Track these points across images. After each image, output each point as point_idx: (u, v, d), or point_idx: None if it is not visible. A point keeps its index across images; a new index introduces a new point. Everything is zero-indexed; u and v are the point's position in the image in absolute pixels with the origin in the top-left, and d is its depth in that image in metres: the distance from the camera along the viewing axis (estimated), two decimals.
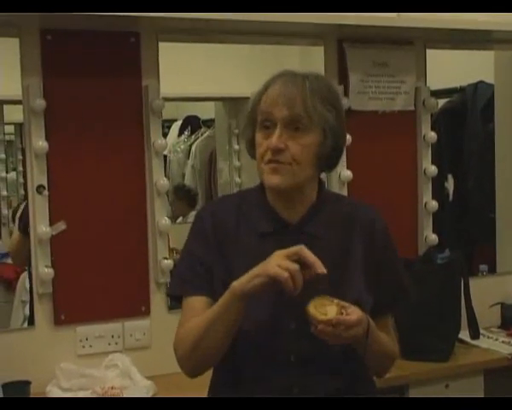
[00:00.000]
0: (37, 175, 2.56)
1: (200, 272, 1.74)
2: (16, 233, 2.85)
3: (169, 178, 3.57)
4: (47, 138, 2.55)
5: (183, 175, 3.90)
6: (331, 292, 1.64)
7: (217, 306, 1.66)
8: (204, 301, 1.73)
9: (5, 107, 3.01)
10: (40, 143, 2.54)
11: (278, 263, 1.56)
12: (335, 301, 1.61)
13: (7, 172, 3.10)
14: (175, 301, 1.95)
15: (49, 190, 2.57)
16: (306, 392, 1.70)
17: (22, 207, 2.76)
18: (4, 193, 3.06)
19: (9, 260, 2.97)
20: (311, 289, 1.62)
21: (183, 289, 1.78)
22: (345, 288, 1.71)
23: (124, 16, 2.41)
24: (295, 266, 1.56)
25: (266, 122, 1.69)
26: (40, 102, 2.52)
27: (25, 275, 2.80)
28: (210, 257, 1.74)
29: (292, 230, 1.74)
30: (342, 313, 1.59)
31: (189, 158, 3.90)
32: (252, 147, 1.75)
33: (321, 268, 1.57)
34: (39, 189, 2.56)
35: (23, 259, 2.71)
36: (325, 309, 1.59)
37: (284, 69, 1.74)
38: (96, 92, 2.63)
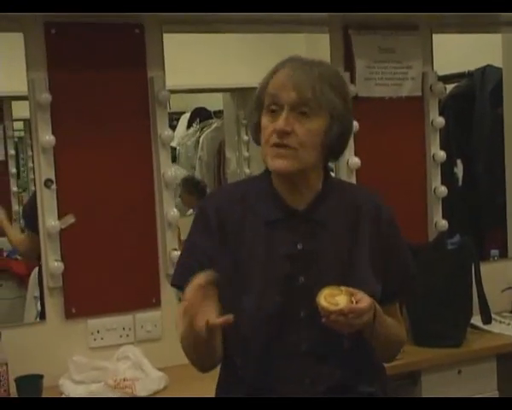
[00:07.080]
0: (45, 169, 2.57)
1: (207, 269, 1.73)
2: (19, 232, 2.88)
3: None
4: (54, 132, 2.55)
5: (192, 167, 3.91)
6: (339, 280, 1.63)
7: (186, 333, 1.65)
8: None
9: (13, 103, 3.01)
10: (47, 137, 2.54)
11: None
12: (344, 289, 1.60)
13: (17, 168, 3.11)
14: (180, 290, 1.96)
15: (56, 183, 2.58)
16: (318, 382, 1.69)
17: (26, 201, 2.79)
18: (15, 189, 3.07)
19: None
20: (320, 278, 1.63)
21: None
22: (353, 274, 1.71)
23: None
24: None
25: (273, 106, 1.67)
26: (46, 96, 2.52)
27: (36, 271, 2.80)
28: (217, 254, 1.73)
29: (299, 217, 1.73)
30: (352, 302, 1.59)
31: (197, 150, 3.90)
32: (257, 132, 1.73)
33: None
34: (47, 183, 2.56)
35: (33, 255, 2.72)
36: (335, 299, 1.58)
37: (293, 54, 1.73)
38: (101, 85, 2.63)
